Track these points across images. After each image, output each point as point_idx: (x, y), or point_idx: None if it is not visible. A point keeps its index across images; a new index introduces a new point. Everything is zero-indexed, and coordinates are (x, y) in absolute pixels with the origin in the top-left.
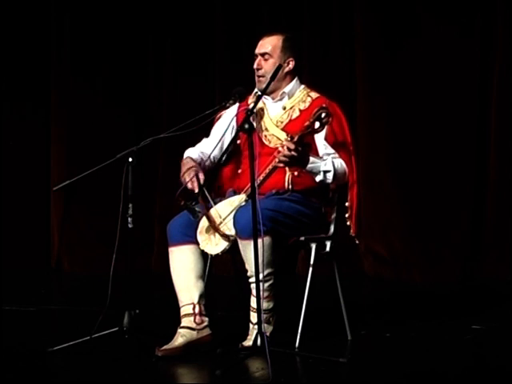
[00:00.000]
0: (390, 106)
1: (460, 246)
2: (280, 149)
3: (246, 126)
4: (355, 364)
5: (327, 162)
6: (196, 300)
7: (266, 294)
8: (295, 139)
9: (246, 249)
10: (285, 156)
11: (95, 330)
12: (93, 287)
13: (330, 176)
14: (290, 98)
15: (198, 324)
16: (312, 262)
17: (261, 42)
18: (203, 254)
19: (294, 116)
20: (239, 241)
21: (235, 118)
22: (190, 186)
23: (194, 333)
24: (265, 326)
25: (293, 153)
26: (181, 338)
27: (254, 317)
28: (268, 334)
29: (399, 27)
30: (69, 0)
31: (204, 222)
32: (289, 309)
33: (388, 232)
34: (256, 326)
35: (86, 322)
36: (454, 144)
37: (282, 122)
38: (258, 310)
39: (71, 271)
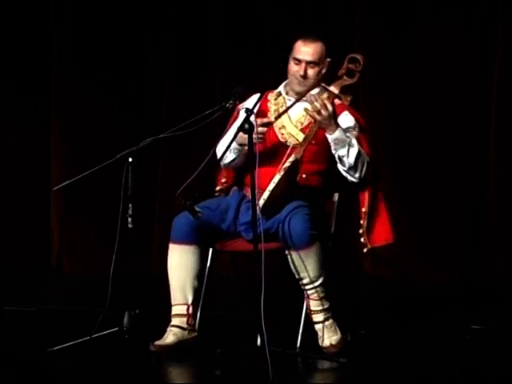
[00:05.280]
0: (389, 105)
1: (460, 246)
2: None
3: (246, 126)
4: (355, 364)
5: (352, 139)
6: (190, 301)
7: (323, 295)
8: (333, 97)
9: (306, 258)
10: (326, 112)
11: (95, 330)
12: (93, 287)
13: (353, 153)
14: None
15: (189, 325)
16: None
17: (306, 49)
18: (203, 256)
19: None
20: (294, 252)
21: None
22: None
23: (185, 332)
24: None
25: (330, 111)
26: (172, 336)
27: (316, 317)
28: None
29: (399, 27)
30: (69, 0)
31: None
32: (289, 309)
33: None
34: (318, 325)
35: (86, 322)
36: (453, 144)
37: (301, 123)
38: (259, 313)
39: (71, 271)
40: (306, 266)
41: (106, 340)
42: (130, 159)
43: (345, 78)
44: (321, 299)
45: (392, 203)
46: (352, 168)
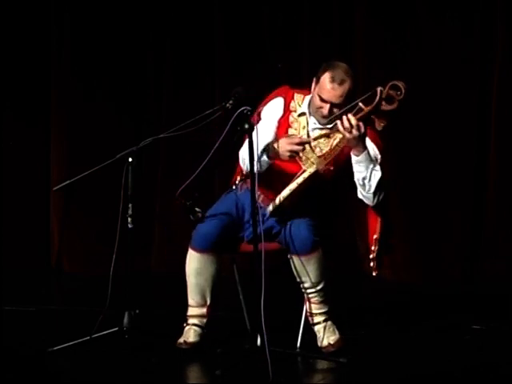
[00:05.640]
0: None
1: (460, 246)
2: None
3: (246, 126)
4: (355, 364)
5: (377, 164)
6: (208, 303)
7: (323, 299)
8: (358, 116)
9: (308, 263)
10: (357, 132)
11: (95, 330)
12: (93, 287)
13: (375, 177)
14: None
15: (206, 325)
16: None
17: (334, 92)
18: (221, 262)
19: (334, 143)
20: (296, 257)
21: (280, 121)
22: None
23: (204, 332)
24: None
25: (362, 131)
26: (196, 335)
27: (315, 319)
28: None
29: (399, 27)
30: (69, 0)
31: None
32: (289, 309)
33: None
34: (317, 327)
35: (86, 322)
36: (453, 144)
37: (321, 150)
38: (259, 313)
39: (71, 271)
40: (307, 271)
41: (106, 340)
42: (130, 159)
43: (383, 103)
44: (321, 303)
45: (392, 203)
46: (371, 192)
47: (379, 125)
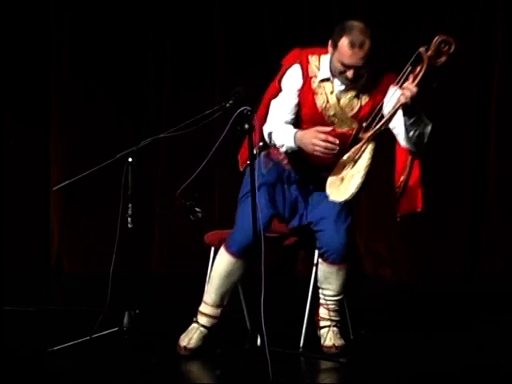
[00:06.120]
0: None
1: (460, 246)
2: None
3: (246, 126)
4: (355, 364)
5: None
6: (224, 304)
7: (339, 308)
8: (417, 81)
9: (338, 273)
10: (412, 95)
11: (95, 330)
12: (93, 287)
13: (427, 131)
14: (360, 84)
15: (214, 327)
16: (316, 262)
17: (355, 56)
18: (248, 267)
19: (364, 102)
20: (329, 264)
21: (301, 90)
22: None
23: (207, 335)
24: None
25: (416, 92)
26: (201, 338)
27: (323, 323)
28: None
29: (399, 27)
30: (69, 0)
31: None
32: (289, 309)
33: (388, 232)
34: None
35: (86, 322)
36: (453, 144)
37: (352, 109)
38: (258, 313)
39: (71, 271)
40: (334, 279)
41: (106, 340)
42: (130, 159)
43: (434, 59)
44: (335, 311)
45: (392, 203)
46: (424, 142)
47: (433, 84)
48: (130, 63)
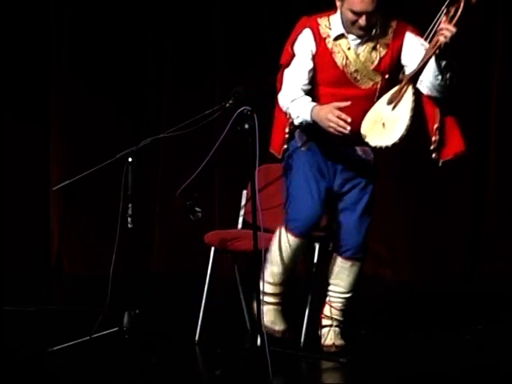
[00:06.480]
0: None
1: (460, 245)
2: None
3: (246, 126)
4: (355, 364)
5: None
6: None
7: (344, 307)
8: (455, 20)
9: (350, 269)
10: (451, 35)
11: (95, 330)
12: (93, 287)
13: (455, 75)
14: (375, 34)
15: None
16: (316, 261)
17: (365, 2)
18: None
19: (383, 53)
20: (343, 259)
21: (316, 54)
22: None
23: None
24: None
25: (454, 31)
26: (280, 316)
27: (325, 322)
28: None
29: None
30: (69, 0)
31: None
32: (289, 309)
33: (388, 232)
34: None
35: (86, 322)
36: None
37: (372, 62)
38: (258, 313)
39: (71, 271)
40: (345, 275)
41: (106, 340)
42: (130, 159)
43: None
44: (340, 310)
45: (392, 203)
46: (453, 84)
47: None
48: (130, 63)
